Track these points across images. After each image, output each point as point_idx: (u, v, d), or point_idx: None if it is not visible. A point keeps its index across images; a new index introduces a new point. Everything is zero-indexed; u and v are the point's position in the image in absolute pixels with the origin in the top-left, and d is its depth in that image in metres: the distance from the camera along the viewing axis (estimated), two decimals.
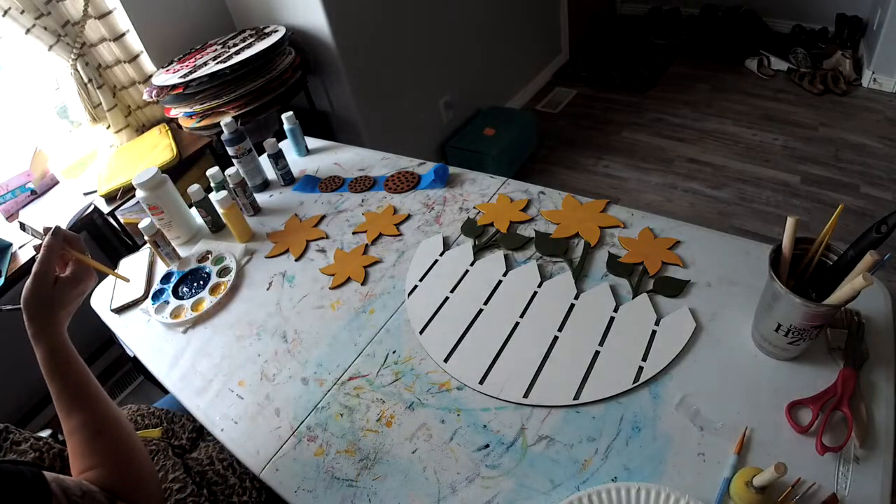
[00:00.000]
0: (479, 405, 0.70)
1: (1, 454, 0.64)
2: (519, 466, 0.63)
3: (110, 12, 1.57)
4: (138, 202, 1.28)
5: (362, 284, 0.91)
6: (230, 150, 1.13)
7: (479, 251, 0.92)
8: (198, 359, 0.86)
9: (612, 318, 0.76)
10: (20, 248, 1.35)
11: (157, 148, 1.55)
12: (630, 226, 0.90)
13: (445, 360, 0.76)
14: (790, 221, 0.61)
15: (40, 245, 0.64)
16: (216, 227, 1.12)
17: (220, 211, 1.03)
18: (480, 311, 0.82)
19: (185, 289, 0.99)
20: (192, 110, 1.55)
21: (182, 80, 1.49)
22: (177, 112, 1.59)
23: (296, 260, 0.99)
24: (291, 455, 0.70)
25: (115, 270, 0.96)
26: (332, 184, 1.17)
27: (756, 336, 0.68)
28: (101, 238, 1.69)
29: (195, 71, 1.52)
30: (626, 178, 2.28)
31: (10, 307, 1.02)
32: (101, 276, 0.93)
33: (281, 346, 0.84)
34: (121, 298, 1.01)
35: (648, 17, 3.32)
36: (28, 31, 1.40)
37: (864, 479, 0.55)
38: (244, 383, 0.80)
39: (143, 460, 0.60)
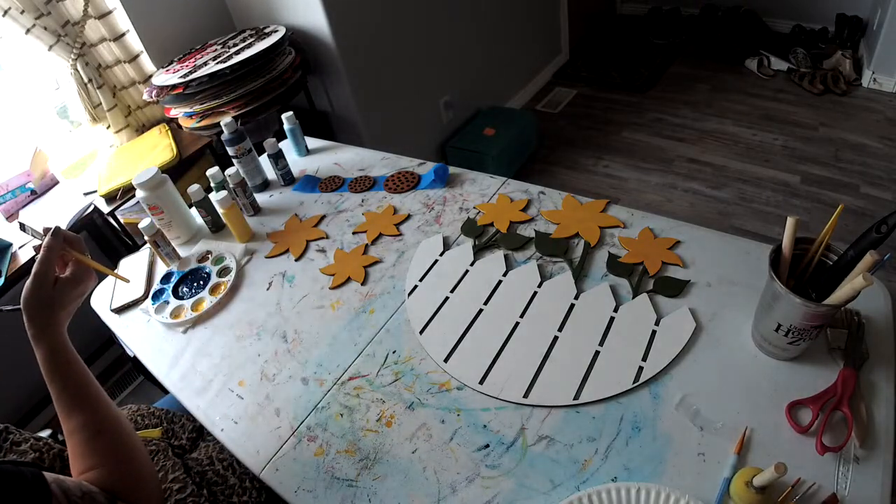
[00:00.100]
0: (479, 405, 0.70)
1: (1, 454, 0.64)
2: (519, 466, 0.63)
3: (110, 12, 1.57)
4: (138, 202, 1.28)
5: (362, 284, 0.91)
6: (230, 150, 1.13)
7: (479, 251, 0.92)
8: (198, 359, 0.86)
9: (612, 318, 0.76)
10: (20, 248, 1.35)
11: (157, 148, 1.55)
12: (630, 226, 0.90)
13: (445, 360, 0.76)
14: (790, 221, 0.61)
15: (40, 245, 0.64)
16: (216, 227, 1.12)
17: (220, 211, 1.03)
18: (480, 311, 0.82)
19: (185, 289, 0.99)
20: (192, 110, 1.55)
21: (182, 80, 1.49)
22: (177, 112, 1.59)
23: (296, 260, 0.99)
24: (291, 455, 0.70)
25: (115, 271, 0.96)
26: (332, 184, 1.17)
27: (756, 336, 0.68)
28: (101, 238, 1.69)
29: (195, 71, 1.52)
30: (626, 178, 2.28)
31: (10, 308, 1.02)
32: (101, 277, 0.93)
33: (281, 346, 0.84)
34: (121, 298, 1.01)
35: (648, 17, 3.32)
36: (28, 31, 1.40)
37: (864, 479, 0.55)
38: (244, 383, 0.80)
39: (143, 460, 0.60)
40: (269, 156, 1.17)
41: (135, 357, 0.93)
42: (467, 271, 0.89)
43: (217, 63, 1.53)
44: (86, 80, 1.56)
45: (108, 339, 1.84)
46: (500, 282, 0.85)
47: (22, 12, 1.38)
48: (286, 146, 1.30)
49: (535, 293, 0.82)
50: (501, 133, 2.28)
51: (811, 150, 2.22)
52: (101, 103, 1.61)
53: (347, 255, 0.97)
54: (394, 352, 0.79)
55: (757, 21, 2.94)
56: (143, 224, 0.99)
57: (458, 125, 2.44)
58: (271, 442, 0.72)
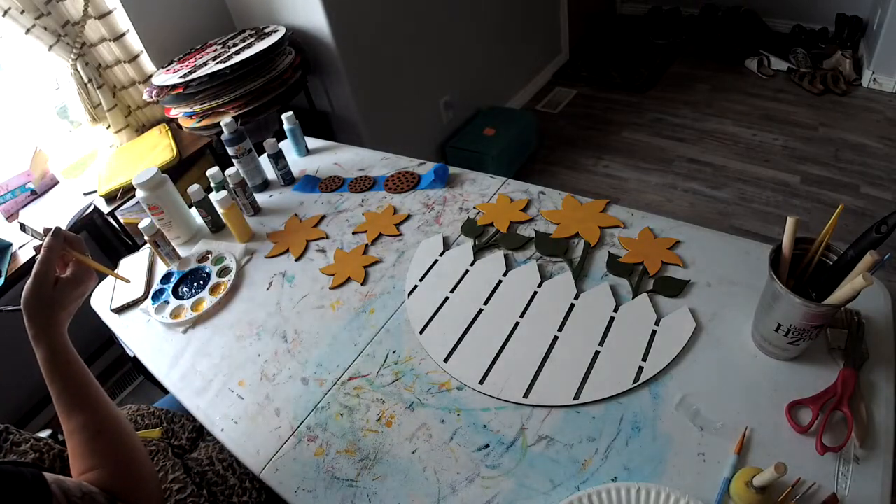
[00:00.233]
0: (479, 405, 0.70)
1: (1, 455, 0.64)
2: (519, 466, 0.63)
3: (110, 12, 1.57)
4: (138, 202, 1.28)
5: (362, 284, 0.91)
6: (230, 150, 1.13)
7: (479, 251, 0.92)
8: (198, 359, 0.86)
9: (612, 318, 0.76)
10: (20, 248, 1.35)
11: (157, 148, 1.56)
12: (630, 226, 0.90)
13: (445, 360, 0.76)
14: (790, 221, 0.61)
15: (41, 246, 0.64)
16: (216, 227, 1.12)
17: (220, 211, 1.03)
18: (480, 311, 0.82)
19: (185, 289, 0.99)
20: (192, 110, 1.55)
21: (182, 80, 1.49)
22: (177, 112, 1.59)
23: (296, 260, 0.99)
24: (291, 455, 0.70)
25: (116, 271, 0.96)
26: (332, 184, 1.17)
27: (756, 336, 0.68)
28: (101, 238, 1.69)
29: (195, 71, 1.52)
30: (626, 178, 2.28)
31: (10, 308, 1.02)
32: (101, 277, 0.93)
33: (281, 346, 0.84)
34: (121, 298, 1.01)
35: (648, 17, 3.32)
36: (28, 31, 1.40)
37: (864, 479, 0.55)
38: (244, 383, 0.80)
39: (143, 461, 0.60)
40: (269, 156, 1.17)
41: (135, 357, 0.93)
42: (467, 271, 0.89)
43: (217, 63, 1.53)
44: (86, 80, 1.56)
45: (108, 339, 1.84)
46: (500, 282, 0.85)
47: (22, 12, 1.38)
48: (286, 146, 1.30)
49: (535, 293, 0.82)
50: (501, 133, 2.28)
51: (811, 150, 2.22)
52: (101, 103, 1.61)
53: (347, 255, 0.97)
54: (394, 352, 0.79)
55: (757, 21, 2.94)
56: (143, 224, 0.99)
57: (458, 125, 2.44)
58: (271, 442, 0.72)
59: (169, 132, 1.63)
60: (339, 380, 0.77)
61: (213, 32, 1.84)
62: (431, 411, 0.70)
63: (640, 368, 0.69)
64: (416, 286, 0.88)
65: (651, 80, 2.84)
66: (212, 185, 1.14)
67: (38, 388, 1.68)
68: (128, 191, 1.43)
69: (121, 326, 0.97)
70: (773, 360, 0.67)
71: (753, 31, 2.91)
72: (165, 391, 0.86)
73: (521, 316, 0.79)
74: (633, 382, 0.67)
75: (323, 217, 1.09)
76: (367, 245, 0.99)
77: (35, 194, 1.56)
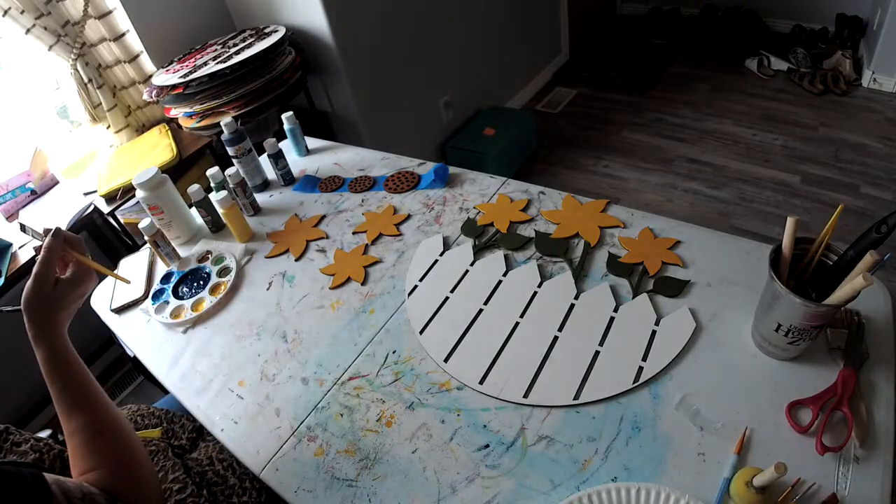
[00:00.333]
0: (479, 405, 0.70)
1: (1, 455, 0.64)
2: (519, 466, 0.63)
3: (110, 12, 1.57)
4: (138, 202, 1.28)
5: (362, 284, 0.91)
6: (230, 150, 1.13)
7: (479, 251, 0.92)
8: (198, 359, 0.86)
9: (612, 318, 0.76)
10: (20, 248, 1.35)
11: (157, 148, 1.56)
12: (630, 226, 0.90)
13: (445, 360, 0.76)
14: (790, 221, 0.61)
15: (41, 246, 0.64)
16: (216, 227, 1.12)
17: (220, 211, 1.03)
18: (480, 311, 0.82)
19: (185, 289, 0.99)
20: (192, 110, 1.55)
21: (182, 80, 1.49)
22: (177, 112, 1.59)
23: (296, 260, 0.99)
24: (291, 455, 0.70)
25: (116, 271, 0.96)
26: (332, 184, 1.17)
27: (756, 336, 0.68)
28: (101, 238, 1.69)
29: (195, 71, 1.52)
30: (626, 178, 2.28)
31: (10, 308, 1.02)
32: (102, 277, 0.93)
33: (281, 346, 0.84)
34: (121, 298, 1.01)
35: (648, 17, 3.32)
36: (28, 31, 1.40)
37: (864, 479, 0.55)
38: (244, 383, 0.80)
39: (143, 461, 0.60)
40: (269, 156, 1.17)
41: (135, 357, 0.93)
42: (467, 271, 0.89)
43: (217, 63, 1.53)
44: (86, 80, 1.56)
45: (108, 339, 1.84)
46: (500, 282, 0.85)
47: (22, 12, 1.38)
48: (286, 146, 1.30)
49: (535, 293, 0.82)
50: (501, 133, 2.28)
51: (811, 150, 2.22)
52: (101, 103, 1.61)
53: (347, 255, 0.97)
54: (394, 352, 0.79)
55: (757, 21, 2.94)
56: (143, 224, 0.99)
57: (458, 125, 2.44)
58: (271, 442, 0.72)
59: (169, 132, 1.63)
60: (339, 380, 0.77)
61: (213, 32, 1.84)
62: (431, 411, 0.71)
63: (640, 368, 0.69)
64: (416, 286, 0.88)
65: (651, 80, 2.84)
66: (212, 185, 1.14)
67: (38, 388, 1.68)
68: (128, 191, 1.43)
69: (121, 326, 0.97)
70: (773, 360, 0.67)
71: (753, 31, 2.91)
72: (165, 391, 0.86)
73: (521, 316, 0.79)
74: (633, 382, 0.67)
75: (323, 217, 1.09)
76: (367, 245, 0.99)
77: (35, 194, 1.56)
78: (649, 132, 2.51)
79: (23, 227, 0.77)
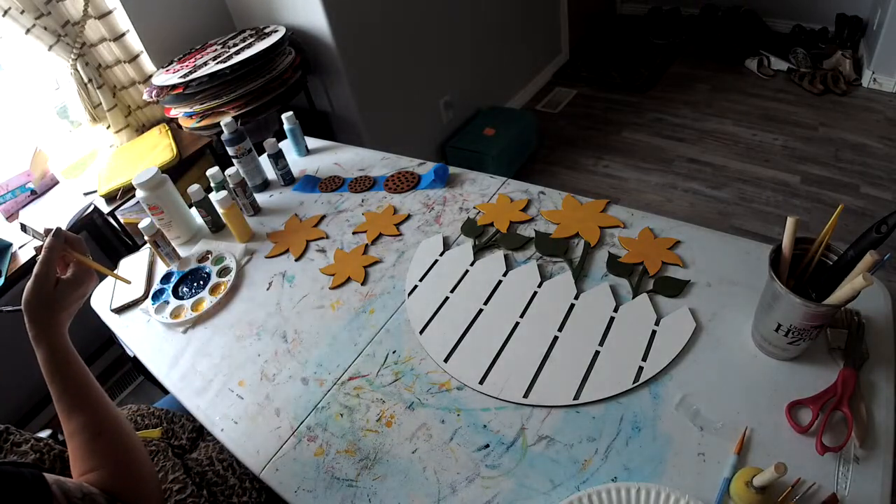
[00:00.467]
0: (479, 405, 0.70)
1: (1, 455, 0.64)
2: (519, 466, 0.63)
3: (110, 12, 1.57)
4: (138, 202, 1.28)
5: (362, 284, 0.91)
6: (230, 150, 1.13)
7: (479, 251, 0.92)
8: (198, 359, 0.86)
9: (612, 318, 0.76)
10: (20, 248, 1.35)
11: (157, 148, 1.56)
12: (630, 226, 0.90)
13: (445, 360, 0.76)
14: (790, 221, 0.61)
15: (41, 246, 0.64)
16: (216, 227, 1.12)
17: (220, 211, 1.03)
18: (480, 311, 0.82)
19: (185, 289, 0.99)
20: (192, 110, 1.55)
21: (182, 80, 1.49)
22: (177, 112, 1.59)
23: (296, 260, 0.99)
24: (291, 455, 0.70)
25: (116, 271, 0.96)
26: (332, 184, 1.17)
27: (756, 336, 0.68)
28: (101, 238, 1.69)
29: (195, 71, 1.52)
30: (626, 178, 2.28)
31: (10, 308, 1.02)
32: (102, 277, 0.93)
33: (281, 346, 0.84)
34: (121, 298, 1.01)
35: (648, 17, 3.32)
36: (28, 31, 1.40)
37: (864, 479, 0.55)
38: (244, 383, 0.80)
39: (143, 461, 0.60)
40: (269, 156, 1.17)
41: (135, 357, 0.93)
42: (467, 271, 0.89)
43: (217, 63, 1.53)
44: (86, 80, 1.56)
45: (108, 339, 1.84)
46: (500, 282, 0.85)
47: (22, 12, 1.38)
48: (286, 146, 1.30)
49: (535, 293, 0.82)
50: (501, 133, 2.28)
51: (811, 150, 2.22)
52: (101, 103, 1.61)
53: (347, 255, 0.97)
54: (394, 352, 0.79)
55: (757, 21, 2.94)
56: (143, 224, 0.99)
57: (458, 125, 2.44)
58: (271, 442, 0.72)
59: (169, 132, 1.63)
60: (339, 380, 0.77)
61: (213, 32, 1.84)
62: (431, 411, 0.71)
63: (640, 368, 0.69)
64: (416, 286, 0.88)
65: (651, 80, 2.84)
66: (212, 185, 1.14)
67: (38, 388, 1.68)
68: (128, 191, 1.43)
69: (121, 326, 0.97)
70: (773, 360, 0.67)
71: (753, 31, 2.91)
72: (165, 391, 0.86)
73: (521, 316, 0.79)
74: (633, 382, 0.67)
75: (323, 217, 1.09)
76: (367, 245, 0.99)
77: (35, 194, 1.56)
78: (649, 132, 2.51)
79: (23, 227, 0.77)
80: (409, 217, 1.03)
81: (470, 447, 0.66)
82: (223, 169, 1.13)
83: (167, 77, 1.55)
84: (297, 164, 1.27)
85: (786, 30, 2.95)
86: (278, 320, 0.88)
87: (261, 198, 1.19)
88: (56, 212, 1.48)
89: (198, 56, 1.65)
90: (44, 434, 0.76)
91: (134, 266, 1.08)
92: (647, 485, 0.57)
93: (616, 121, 2.63)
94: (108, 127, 1.66)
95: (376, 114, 1.98)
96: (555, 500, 0.59)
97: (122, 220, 1.40)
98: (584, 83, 2.97)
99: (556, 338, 0.75)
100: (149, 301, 0.98)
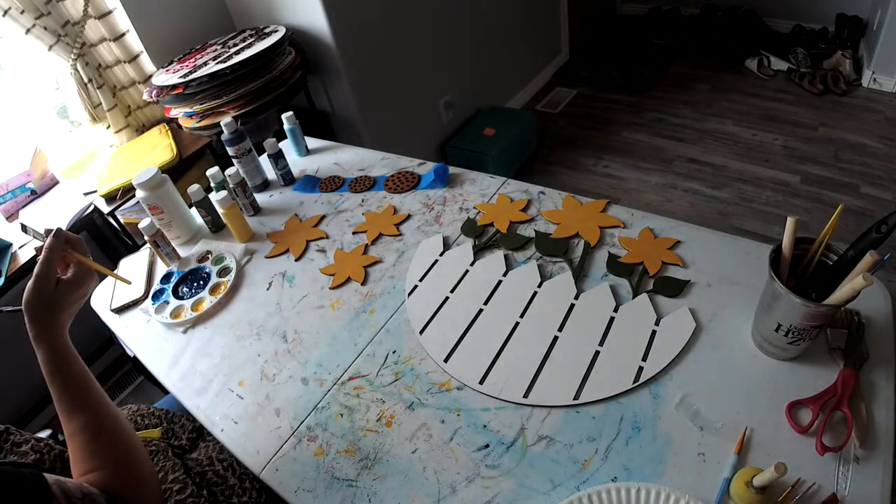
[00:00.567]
0: (479, 405, 0.70)
1: (2, 456, 0.64)
2: (519, 466, 0.63)
3: (110, 12, 1.57)
4: (138, 202, 1.28)
5: (362, 284, 0.91)
6: (230, 150, 1.13)
7: (479, 251, 0.92)
8: (198, 359, 0.86)
9: (612, 318, 0.76)
10: (20, 248, 1.35)
11: (157, 148, 1.56)
12: (630, 226, 0.90)
13: (445, 360, 0.76)
14: (790, 221, 0.61)
15: (42, 246, 0.64)
16: (216, 227, 1.12)
17: (220, 211, 1.03)
18: (480, 311, 0.82)
19: (185, 289, 0.99)
20: (192, 110, 1.55)
21: (182, 80, 1.49)
22: (177, 112, 1.59)
23: (296, 260, 0.99)
24: (291, 455, 0.70)
25: (116, 271, 0.96)
26: (332, 184, 1.17)
27: (756, 336, 0.68)
28: (101, 238, 1.69)
29: (195, 71, 1.52)
30: (626, 178, 2.28)
31: (10, 309, 1.02)
32: (102, 277, 0.93)
33: (281, 346, 0.84)
34: (121, 298, 1.01)
35: (648, 17, 3.32)
36: (28, 31, 1.40)
37: (864, 479, 0.55)
38: (244, 383, 0.80)
39: (143, 462, 0.60)
40: (269, 156, 1.17)
41: (135, 357, 0.93)
42: (467, 271, 0.89)
43: (217, 63, 1.53)
44: (86, 80, 1.56)
45: (108, 339, 1.84)
46: (500, 282, 0.85)
47: (22, 12, 1.38)
48: (286, 146, 1.30)
49: (535, 293, 0.82)
50: (501, 133, 2.28)
51: (811, 150, 2.22)
52: (101, 103, 1.61)
53: (347, 255, 0.97)
54: (394, 352, 0.79)
55: (757, 21, 2.94)
56: (143, 224, 0.99)
57: (458, 125, 2.44)
58: (271, 442, 0.72)
59: (169, 132, 1.63)
60: (339, 380, 0.77)
61: (213, 32, 1.84)
62: (431, 411, 0.71)
63: (640, 368, 0.69)
64: (416, 286, 0.88)
65: (651, 80, 2.84)
66: (212, 185, 1.14)
67: (38, 388, 1.68)
68: (128, 191, 1.43)
69: (121, 326, 0.97)
70: (773, 360, 0.67)
71: (753, 31, 2.91)
72: (165, 391, 0.86)
73: (521, 316, 0.79)
74: (633, 382, 0.67)
75: (323, 217, 1.09)
76: (367, 245, 0.99)
77: (35, 194, 1.56)
78: (649, 132, 2.51)
79: (24, 228, 0.77)
80: (409, 217, 1.03)
81: (470, 447, 0.66)
82: (223, 169, 1.13)
83: (167, 77, 1.55)
84: (297, 164, 1.27)
85: (786, 30, 2.95)
86: (278, 320, 0.88)
87: (261, 198, 1.19)
88: (56, 212, 1.48)
89: (198, 56, 1.65)
90: (44, 434, 0.76)
91: (134, 266, 1.08)
92: (647, 485, 0.57)
93: (616, 121, 2.63)
94: (108, 127, 1.66)
95: (376, 114, 1.98)
96: (555, 500, 0.59)
97: (122, 220, 1.40)
98: (584, 83, 2.97)
99: (556, 338, 0.75)
100: (149, 301, 0.98)
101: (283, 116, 1.24)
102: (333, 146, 1.31)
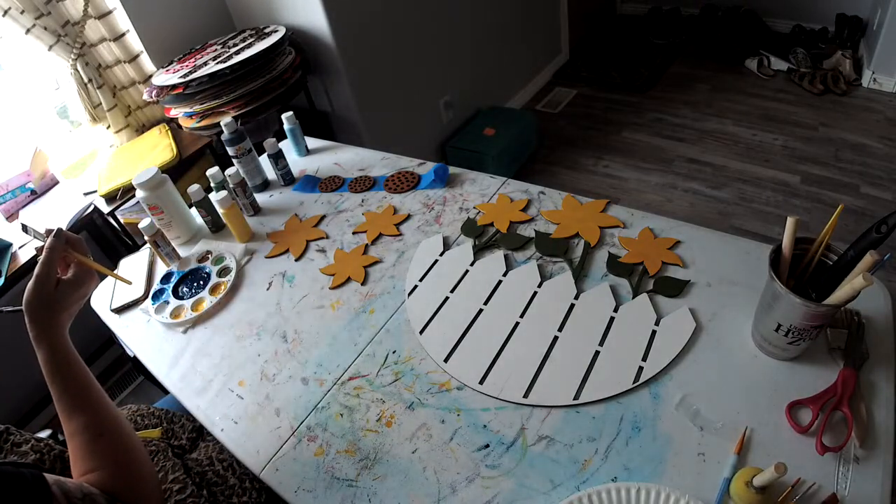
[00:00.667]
0: (479, 405, 0.70)
1: (2, 456, 0.64)
2: (519, 466, 0.63)
3: (110, 12, 1.57)
4: (138, 202, 1.28)
5: (362, 284, 0.91)
6: (230, 150, 1.13)
7: (479, 251, 0.92)
8: (198, 359, 0.86)
9: (612, 318, 0.76)
10: (20, 248, 1.35)
11: (157, 148, 1.56)
12: (630, 226, 0.90)
13: (445, 360, 0.76)
14: (790, 221, 0.61)
15: (42, 247, 0.64)
16: (216, 227, 1.12)
17: (220, 211, 1.03)
18: (480, 311, 0.82)
19: (185, 289, 0.99)
20: (192, 110, 1.55)
21: (182, 80, 1.49)
22: (177, 112, 1.59)
23: (296, 260, 0.99)
24: (291, 455, 0.70)
25: (116, 272, 0.96)
26: (332, 184, 1.17)
27: (756, 336, 0.68)
28: (101, 238, 1.69)
29: (195, 71, 1.52)
30: (626, 178, 2.28)
31: (11, 309, 1.02)
32: (102, 277, 0.93)
33: (281, 346, 0.84)
34: (121, 298, 1.01)
35: (648, 17, 3.32)
36: (28, 31, 1.40)
37: (864, 479, 0.55)
38: (244, 383, 0.80)
39: (143, 462, 0.60)
40: (269, 156, 1.17)
41: (135, 357, 0.93)
42: (467, 271, 0.89)
43: (217, 63, 1.53)
44: (86, 80, 1.56)
45: (108, 339, 1.84)
46: (500, 282, 0.85)
47: (22, 12, 1.38)
48: (286, 146, 1.30)
49: (535, 293, 0.82)
50: (501, 133, 2.28)
51: (811, 150, 2.22)
52: (101, 103, 1.61)
53: (347, 255, 0.97)
54: (394, 352, 0.79)
55: (757, 21, 2.94)
56: (143, 224, 0.99)
57: (458, 125, 2.44)
58: (271, 442, 0.72)
59: (169, 132, 1.63)
60: (339, 380, 0.77)
61: (213, 32, 1.84)
62: (431, 411, 0.71)
63: (640, 368, 0.69)
64: (416, 286, 0.88)
65: (651, 80, 2.84)
66: (212, 185, 1.14)
67: (38, 388, 1.68)
68: (128, 191, 1.43)
69: (121, 326, 0.97)
70: (773, 360, 0.67)
71: (753, 31, 2.91)
72: (165, 391, 0.86)
73: (521, 316, 0.79)
74: (633, 382, 0.67)
75: (323, 217, 1.09)
76: (367, 245, 0.99)
77: (35, 194, 1.56)
78: (649, 132, 2.51)
79: (24, 228, 0.77)
80: (409, 217, 1.03)
81: (470, 447, 0.66)
82: (223, 169, 1.13)
83: (167, 77, 1.55)
84: (297, 164, 1.27)
85: (786, 30, 2.95)
86: (278, 320, 0.88)
87: (261, 198, 1.19)
88: (56, 212, 1.48)
89: (198, 56, 1.65)
90: (44, 434, 0.76)
91: (134, 266, 1.08)
92: (647, 485, 0.57)
93: (616, 121, 2.63)
94: (108, 127, 1.66)
95: (376, 114, 1.98)
96: (555, 500, 0.59)
97: (122, 220, 1.40)
98: (584, 83, 2.97)
99: (556, 338, 0.75)
100: (149, 301, 0.98)
101: (283, 116, 1.24)
102: (333, 146, 1.31)
